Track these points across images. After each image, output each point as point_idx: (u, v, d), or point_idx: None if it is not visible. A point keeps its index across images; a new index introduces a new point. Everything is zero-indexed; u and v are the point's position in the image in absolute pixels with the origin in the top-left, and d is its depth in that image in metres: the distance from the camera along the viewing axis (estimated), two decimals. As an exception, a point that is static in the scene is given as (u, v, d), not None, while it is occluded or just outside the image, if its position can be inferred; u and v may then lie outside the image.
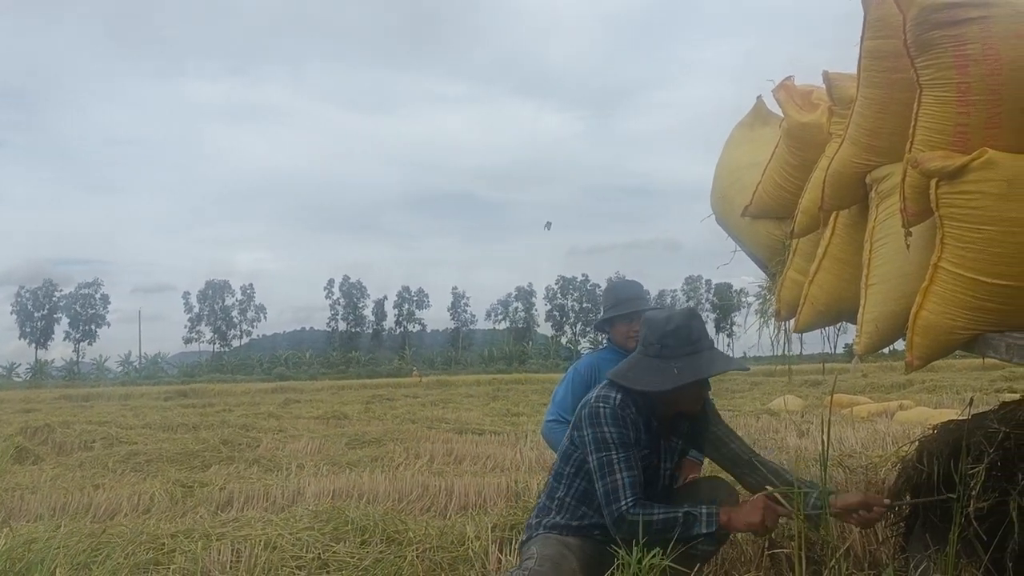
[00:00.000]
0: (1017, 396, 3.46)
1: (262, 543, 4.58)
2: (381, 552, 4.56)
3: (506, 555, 4.56)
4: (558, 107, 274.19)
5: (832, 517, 3.37)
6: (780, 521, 3.41)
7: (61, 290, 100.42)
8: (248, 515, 5.33)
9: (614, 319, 5.02)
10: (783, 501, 3.26)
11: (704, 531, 3.27)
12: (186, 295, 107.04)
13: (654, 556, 3.07)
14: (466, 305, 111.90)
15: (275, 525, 4.83)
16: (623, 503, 3.33)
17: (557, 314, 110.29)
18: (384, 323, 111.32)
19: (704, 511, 3.30)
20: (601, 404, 3.52)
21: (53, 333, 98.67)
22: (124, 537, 4.73)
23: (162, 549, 4.61)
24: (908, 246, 3.21)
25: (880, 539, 4.22)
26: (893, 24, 3.20)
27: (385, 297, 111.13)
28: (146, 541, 4.68)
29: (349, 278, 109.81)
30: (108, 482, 8.07)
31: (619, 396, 3.53)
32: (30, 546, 4.64)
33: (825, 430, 3.30)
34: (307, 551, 4.50)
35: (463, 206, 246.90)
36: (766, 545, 4.10)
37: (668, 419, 3.61)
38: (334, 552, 4.51)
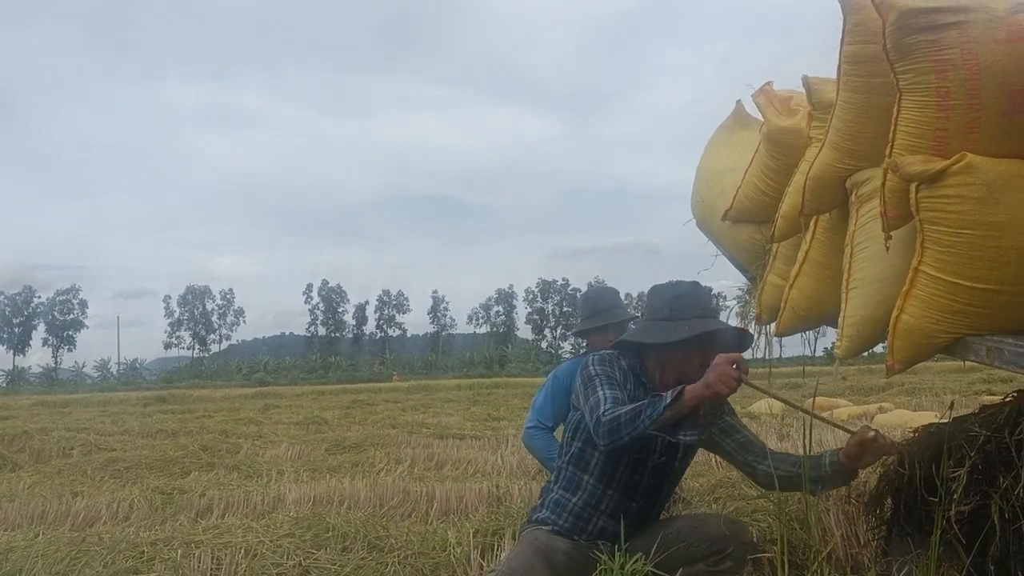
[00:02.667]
0: (997, 399, 3.47)
1: (242, 550, 4.55)
2: (362, 559, 4.54)
3: (488, 561, 4.55)
4: (537, 111, 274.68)
5: (847, 470, 3.42)
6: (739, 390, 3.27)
7: (39, 296, 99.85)
8: (228, 522, 5.29)
9: (590, 331, 5.03)
10: (740, 361, 3.17)
11: (668, 401, 3.14)
12: (167, 300, 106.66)
13: (636, 561, 3.07)
14: (446, 309, 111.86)
15: (255, 532, 4.80)
16: (601, 410, 3.30)
17: (537, 318, 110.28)
18: (364, 328, 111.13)
19: (668, 394, 3.19)
20: (593, 356, 3.59)
21: (31, 339, 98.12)
22: (103, 545, 4.70)
23: (142, 557, 4.58)
24: (888, 249, 3.22)
25: (862, 542, 4.23)
26: (873, 29, 3.21)
27: (366, 301, 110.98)
28: (125, 549, 4.64)
29: (328, 282, 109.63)
30: (87, 489, 8.00)
31: (617, 353, 3.56)
32: (8, 555, 4.61)
33: (807, 434, 3.31)
34: (288, 558, 4.47)
35: (443, 210, 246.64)
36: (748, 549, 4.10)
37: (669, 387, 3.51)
38: (315, 559, 4.49)
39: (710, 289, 3.91)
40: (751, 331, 3.75)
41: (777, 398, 4.01)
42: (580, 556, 3.48)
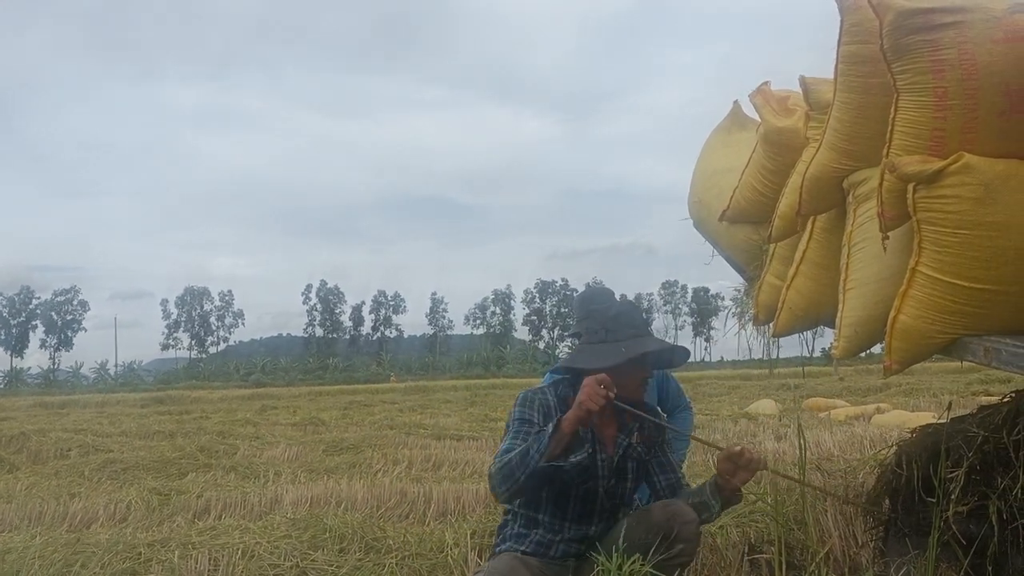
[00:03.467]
0: (995, 399, 3.47)
1: (240, 551, 4.54)
2: (360, 560, 4.53)
3: (485, 562, 4.54)
4: (535, 111, 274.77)
5: (727, 489, 3.40)
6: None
7: (38, 297, 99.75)
8: (225, 523, 5.28)
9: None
10: (606, 380, 3.21)
11: (550, 432, 3.21)
12: (164, 302, 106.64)
13: (634, 562, 3.07)
14: (444, 310, 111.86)
15: (253, 533, 4.79)
16: (493, 461, 3.38)
17: (535, 318, 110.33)
18: (361, 329, 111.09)
19: (548, 427, 3.27)
20: (521, 393, 3.65)
21: (29, 341, 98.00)
22: (100, 546, 4.69)
23: (139, 558, 4.57)
24: (885, 250, 3.22)
25: (860, 543, 4.22)
26: (870, 29, 3.22)
27: (362, 302, 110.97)
28: (123, 550, 4.63)
29: (326, 283, 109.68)
30: (84, 491, 7.99)
31: (546, 385, 3.64)
32: (5, 556, 4.60)
33: (800, 434, 3.31)
34: (285, 559, 4.46)
35: (441, 211, 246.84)
36: (746, 550, 4.10)
37: (609, 412, 3.52)
38: (312, 560, 4.48)
39: (637, 304, 3.95)
40: (686, 347, 3.75)
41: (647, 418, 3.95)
42: (550, 572, 3.49)
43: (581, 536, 3.56)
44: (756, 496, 4.43)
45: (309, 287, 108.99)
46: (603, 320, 3.58)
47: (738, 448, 3.36)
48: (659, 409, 5.43)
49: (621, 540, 3.31)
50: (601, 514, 3.59)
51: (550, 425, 3.26)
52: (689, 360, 3.79)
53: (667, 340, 3.82)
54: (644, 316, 3.72)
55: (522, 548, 3.56)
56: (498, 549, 3.67)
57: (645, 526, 3.41)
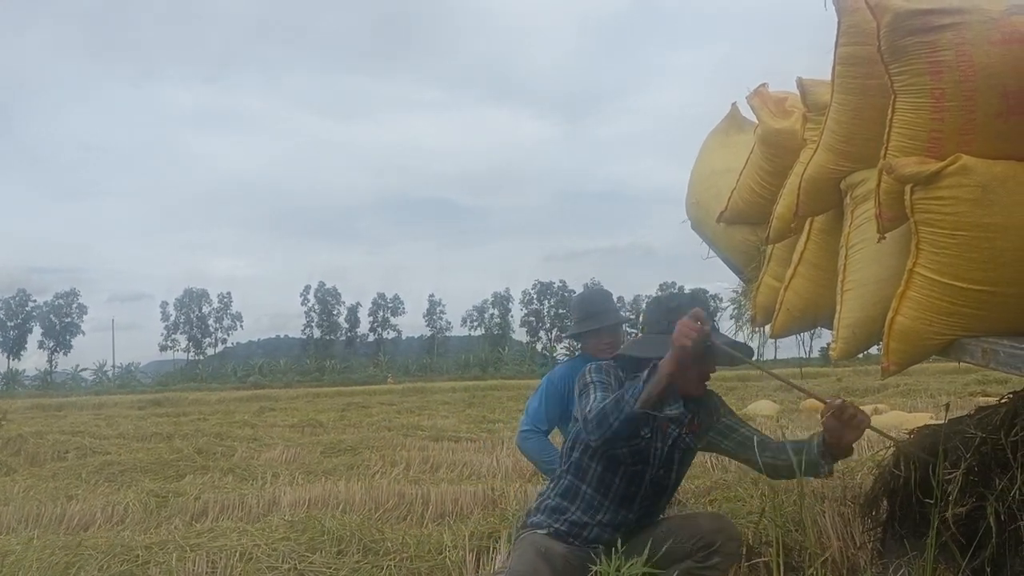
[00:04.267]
0: (993, 400, 3.47)
1: (237, 554, 4.55)
2: (358, 562, 4.54)
3: (484, 564, 4.55)
4: (533, 113, 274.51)
5: (837, 448, 3.28)
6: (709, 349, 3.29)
7: (35, 299, 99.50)
8: (223, 525, 5.29)
9: (584, 333, 5.03)
10: (700, 315, 3.16)
11: (645, 377, 3.21)
12: (164, 304, 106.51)
13: (632, 566, 3.07)
14: (442, 312, 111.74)
15: (250, 535, 4.80)
16: (588, 408, 3.33)
17: (533, 319, 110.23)
18: (358, 330, 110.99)
19: (644, 373, 3.28)
20: (591, 365, 3.59)
21: (27, 343, 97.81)
22: (98, 549, 4.70)
23: (136, 560, 4.58)
24: (881, 248, 3.22)
25: (858, 544, 4.22)
26: (867, 30, 3.22)
27: (359, 304, 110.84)
28: (120, 552, 4.64)
29: (324, 284, 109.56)
30: (82, 493, 8.00)
31: (615, 364, 3.60)
32: (3, 559, 4.61)
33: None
34: (283, 561, 4.47)
35: (438, 212, 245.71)
36: (744, 552, 4.10)
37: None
38: (310, 562, 4.48)
39: (706, 292, 3.90)
40: (749, 343, 3.72)
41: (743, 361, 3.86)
42: (576, 561, 3.48)
43: (618, 521, 3.56)
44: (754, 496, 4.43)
45: (307, 288, 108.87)
46: (666, 311, 3.54)
47: (839, 401, 3.18)
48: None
49: (665, 535, 3.33)
50: (643, 500, 3.60)
51: (645, 372, 3.24)
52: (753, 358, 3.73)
53: (731, 336, 3.77)
54: (711, 310, 3.66)
55: (555, 525, 3.56)
56: (531, 520, 3.67)
57: (690, 531, 3.42)
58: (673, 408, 3.37)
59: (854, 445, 3.31)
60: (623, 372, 3.57)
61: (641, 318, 4.77)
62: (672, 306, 3.55)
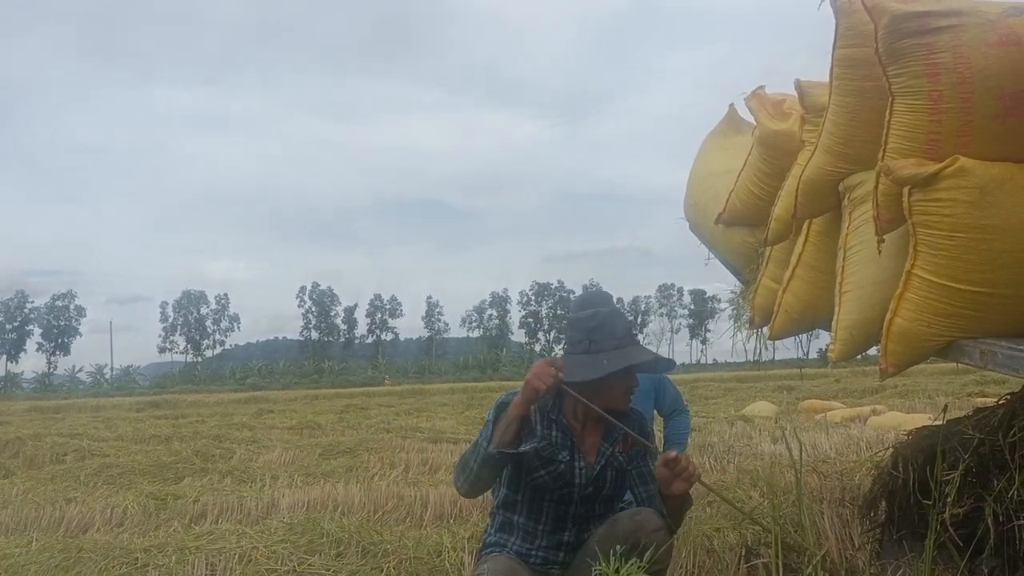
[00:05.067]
0: (990, 401, 3.48)
1: (236, 556, 4.55)
2: (357, 564, 4.53)
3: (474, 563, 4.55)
4: (530, 114, 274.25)
5: (666, 501, 3.32)
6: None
7: (33, 301, 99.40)
8: (222, 527, 5.28)
9: None
10: (556, 361, 3.28)
11: (491, 418, 3.31)
12: (163, 305, 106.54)
13: (631, 566, 3.07)
14: (440, 313, 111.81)
15: (249, 538, 4.79)
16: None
17: (531, 321, 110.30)
18: (356, 332, 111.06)
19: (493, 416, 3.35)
20: (498, 398, 3.58)
21: (25, 345, 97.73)
22: (97, 552, 4.69)
23: (135, 563, 4.57)
24: (881, 253, 3.22)
25: (856, 545, 4.23)
26: (865, 33, 3.22)
27: (356, 305, 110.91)
28: (119, 556, 4.64)
29: (319, 285, 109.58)
30: (80, 495, 7.98)
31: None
32: (2, 562, 4.60)
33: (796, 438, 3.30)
34: (282, 564, 4.47)
35: (436, 214, 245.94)
36: (743, 554, 4.10)
37: (594, 419, 3.54)
38: (309, 564, 4.48)
39: (622, 301, 3.88)
40: (671, 359, 3.72)
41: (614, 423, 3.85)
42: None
43: (555, 544, 3.54)
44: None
45: (304, 289, 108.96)
46: (585, 331, 3.52)
47: (672, 454, 3.23)
48: (650, 415, 5.43)
49: (594, 550, 3.30)
50: (575, 520, 3.56)
51: (492, 416, 3.34)
52: (684, 363, 3.76)
53: (651, 349, 3.76)
54: (629, 324, 3.65)
55: (506, 551, 3.56)
56: (483, 552, 3.67)
57: (614, 536, 3.38)
58: (530, 444, 3.37)
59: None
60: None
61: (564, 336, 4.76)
62: (592, 325, 3.52)
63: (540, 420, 3.50)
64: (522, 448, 3.32)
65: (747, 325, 5.08)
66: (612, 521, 3.50)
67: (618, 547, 3.25)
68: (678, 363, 4.12)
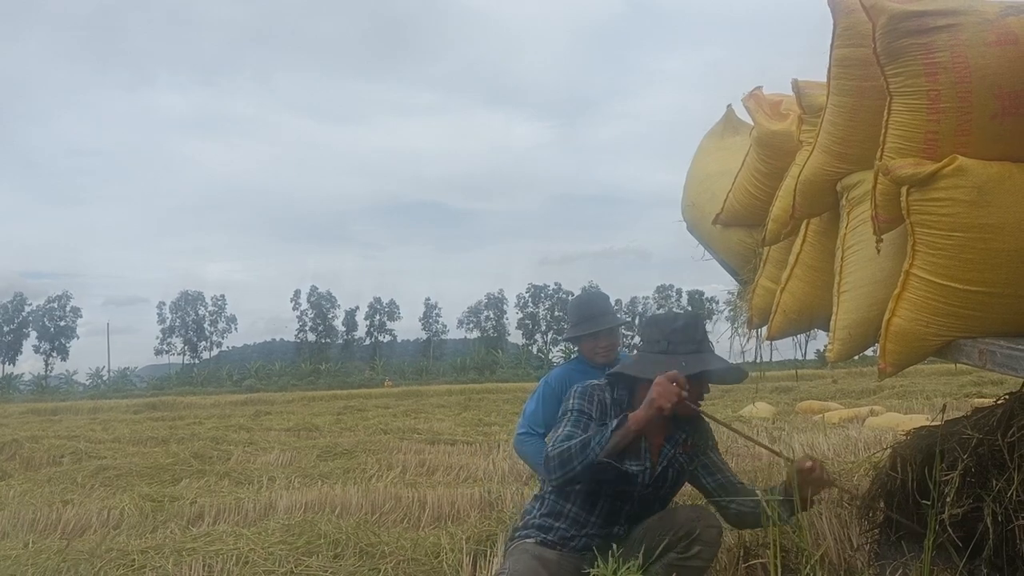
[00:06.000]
0: (989, 401, 3.47)
1: (234, 558, 4.54)
2: (354, 565, 4.53)
3: (480, 567, 4.54)
4: (527, 116, 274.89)
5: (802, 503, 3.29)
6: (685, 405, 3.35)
7: (30, 303, 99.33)
8: (219, 529, 5.28)
9: (580, 336, 5.02)
10: (678, 377, 3.28)
11: (614, 427, 3.28)
12: (160, 307, 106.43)
13: (628, 568, 3.07)
14: (437, 315, 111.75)
15: (247, 539, 4.79)
16: (551, 446, 3.39)
17: (528, 322, 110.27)
18: (354, 334, 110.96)
19: (614, 421, 3.33)
20: (578, 385, 3.63)
21: (22, 348, 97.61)
22: (94, 553, 4.68)
23: (133, 565, 4.56)
24: (879, 253, 3.22)
25: (855, 546, 4.22)
26: (863, 32, 3.22)
27: (356, 307, 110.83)
28: (116, 557, 4.63)
29: (317, 288, 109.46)
30: (77, 497, 7.96)
31: (604, 383, 3.63)
32: (-2, 564, 4.59)
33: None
34: (279, 565, 4.46)
35: (433, 216, 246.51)
36: (741, 554, 4.09)
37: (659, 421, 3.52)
38: (307, 566, 4.47)
39: (703, 319, 3.90)
40: (744, 368, 3.75)
41: (719, 422, 3.95)
42: (569, 564, 3.49)
43: (605, 534, 3.57)
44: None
45: (298, 292, 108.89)
46: (666, 332, 3.58)
47: (808, 464, 3.31)
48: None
49: (642, 537, 3.34)
50: (628, 516, 3.61)
51: (615, 420, 3.31)
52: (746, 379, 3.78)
53: (726, 359, 3.80)
54: (706, 331, 3.71)
55: (545, 536, 3.57)
56: (518, 534, 3.67)
57: (667, 524, 3.43)
58: (635, 465, 3.46)
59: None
60: (613, 392, 3.62)
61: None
62: (671, 328, 3.58)
63: (610, 413, 3.54)
64: (627, 467, 3.41)
65: (745, 326, 5.07)
66: (670, 510, 3.59)
67: (668, 534, 3.31)
68: None
